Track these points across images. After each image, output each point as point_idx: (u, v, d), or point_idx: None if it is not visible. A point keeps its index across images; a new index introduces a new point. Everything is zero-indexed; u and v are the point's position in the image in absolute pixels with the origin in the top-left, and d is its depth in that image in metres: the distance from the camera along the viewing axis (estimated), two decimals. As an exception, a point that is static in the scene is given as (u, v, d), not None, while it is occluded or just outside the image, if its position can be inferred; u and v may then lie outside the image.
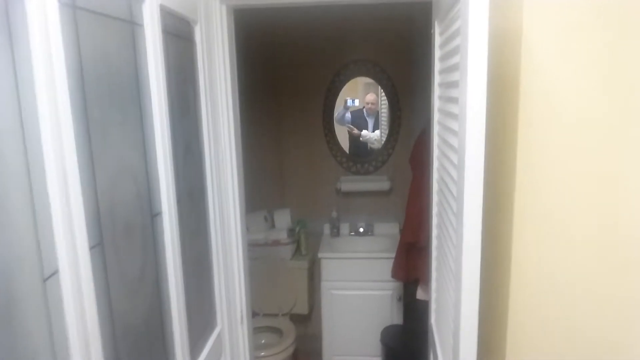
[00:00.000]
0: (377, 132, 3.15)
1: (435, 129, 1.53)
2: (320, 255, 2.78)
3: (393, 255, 2.54)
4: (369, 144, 3.15)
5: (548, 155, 1.07)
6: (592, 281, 1.10)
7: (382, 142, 3.11)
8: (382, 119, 3.17)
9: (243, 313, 1.82)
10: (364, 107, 3.12)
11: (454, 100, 1.18)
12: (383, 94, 3.07)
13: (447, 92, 1.29)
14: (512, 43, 1.07)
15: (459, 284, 0.97)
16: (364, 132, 3.13)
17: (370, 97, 3.09)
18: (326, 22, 2.73)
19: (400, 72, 2.95)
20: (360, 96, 3.12)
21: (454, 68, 1.14)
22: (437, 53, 1.46)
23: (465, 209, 0.92)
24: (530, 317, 1.14)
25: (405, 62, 2.92)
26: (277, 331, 2.84)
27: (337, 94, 3.04)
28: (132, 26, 1.00)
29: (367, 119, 3.13)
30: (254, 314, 2.10)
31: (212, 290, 1.58)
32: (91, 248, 0.81)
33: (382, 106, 3.15)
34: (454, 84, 1.15)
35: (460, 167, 0.96)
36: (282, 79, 3.03)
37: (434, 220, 1.57)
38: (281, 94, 3.06)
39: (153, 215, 1.07)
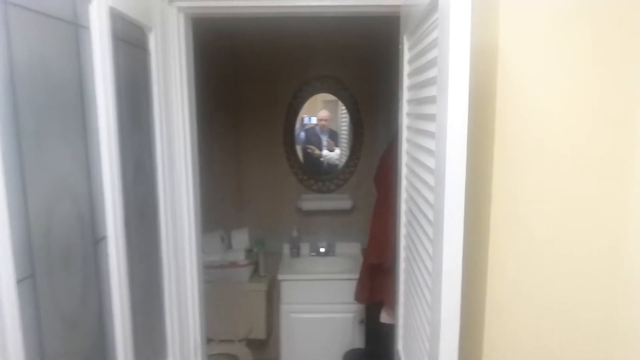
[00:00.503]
0: (337, 150, 3.10)
1: (404, 147, 1.48)
2: (280, 277, 2.67)
3: (355, 276, 2.46)
4: (325, 162, 3.10)
5: (524, 173, 1.03)
6: (568, 301, 1.06)
7: (343, 161, 3.06)
8: (343, 136, 3.13)
9: (197, 342, 1.69)
10: (316, 124, 3.06)
11: (425, 117, 1.13)
12: (345, 111, 3.02)
13: (417, 109, 1.25)
14: (488, 57, 1.03)
15: (437, 315, 0.90)
16: (325, 152, 3.08)
17: (323, 113, 3.04)
18: (289, 37, 2.67)
19: (362, 88, 2.93)
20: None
21: (425, 83, 1.09)
22: (406, 69, 1.42)
23: (445, 236, 0.85)
24: (505, 339, 1.10)
25: (368, 79, 2.90)
26: (233, 358, 2.69)
27: (299, 110, 2.97)
28: (76, 28, 0.89)
29: (320, 136, 3.07)
30: (208, 340, 1.96)
31: (163, 319, 1.45)
32: (19, 281, 0.69)
33: (343, 123, 3.11)
34: (425, 100, 1.10)
35: (438, 190, 0.90)
36: (242, 94, 2.93)
37: (402, 242, 1.51)
38: (241, 109, 2.96)
39: (96, 240, 0.95)
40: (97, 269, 0.95)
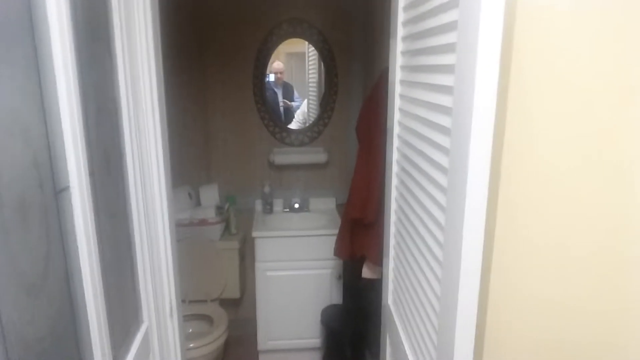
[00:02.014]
0: (305, 102, 2.95)
1: (396, 103, 1.36)
2: (254, 234, 2.55)
3: (331, 231, 2.39)
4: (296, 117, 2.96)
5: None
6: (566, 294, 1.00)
7: (311, 115, 2.92)
8: (311, 87, 2.97)
9: (173, 305, 1.57)
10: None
11: (429, 69, 1.01)
12: (314, 59, 2.85)
13: (416, 60, 1.12)
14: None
15: (455, 273, 0.81)
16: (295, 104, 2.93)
17: (277, 65, 2.85)
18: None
19: (337, 33, 2.75)
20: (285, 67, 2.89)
21: (433, 32, 0.96)
22: (401, 1, 1.28)
23: (468, 192, 0.76)
24: (509, 331, 1.03)
25: (342, 24, 2.72)
26: (207, 319, 2.60)
27: (269, 57, 2.77)
28: None
29: (275, 89, 2.90)
30: (181, 301, 1.85)
31: (136, 281, 1.32)
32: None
33: (311, 73, 2.94)
34: (431, 50, 0.98)
35: (458, 157, 0.79)
36: (209, 38, 2.70)
37: (393, 193, 1.42)
38: (208, 55, 2.73)
39: (58, 191, 0.79)
40: (61, 225, 0.80)
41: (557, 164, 0.95)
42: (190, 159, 2.82)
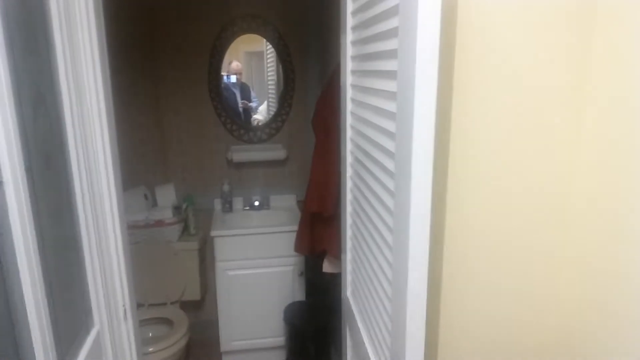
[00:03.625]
0: (265, 104, 2.94)
1: (348, 93, 1.35)
2: (213, 233, 2.51)
3: (292, 228, 2.37)
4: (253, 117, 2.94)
5: (483, 115, 0.95)
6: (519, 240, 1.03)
7: (271, 112, 2.90)
8: (270, 85, 2.95)
9: (126, 307, 1.52)
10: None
11: (376, 56, 1.01)
12: (272, 57, 2.83)
13: (365, 48, 1.12)
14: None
15: (404, 255, 0.81)
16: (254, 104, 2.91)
17: (236, 66, 2.82)
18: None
19: (293, 29, 2.73)
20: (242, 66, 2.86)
21: (380, 15, 0.97)
22: (349, 20, 1.28)
23: (414, 170, 0.76)
24: (460, 310, 1.05)
25: (298, 18, 2.70)
26: (167, 322, 2.54)
27: (224, 53, 2.73)
28: None
29: (234, 90, 2.87)
30: (138, 305, 1.79)
31: (85, 284, 1.27)
32: None
33: (270, 71, 2.92)
34: (381, 36, 0.98)
35: (403, 140, 0.79)
36: (161, 32, 2.63)
37: (348, 184, 1.42)
38: (160, 50, 2.66)
39: (-13, 186, 0.75)
40: (-8, 223, 0.76)
41: (496, 159, 0.98)
42: (145, 158, 2.75)
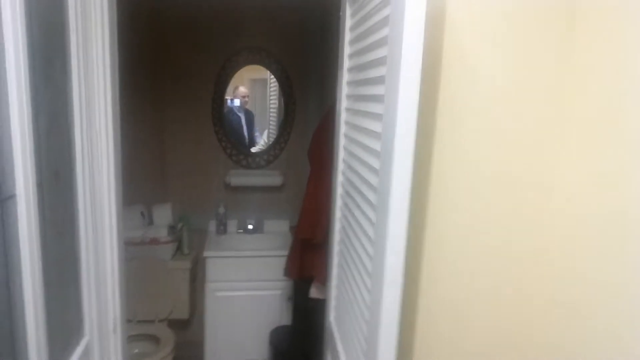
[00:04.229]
0: (265, 132, 3.04)
1: (342, 129, 1.45)
2: (205, 254, 2.56)
3: (284, 253, 2.43)
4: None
5: (466, 138, 1.05)
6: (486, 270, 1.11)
7: (271, 139, 3.00)
8: (272, 112, 3.05)
9: (117, 321, 1.57)
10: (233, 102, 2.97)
11: (368, 98, 1.11)
12: (275, 85, 2.94)
13: (359, 90, 1.22)
14: (437, 21, 1.02)
15: (379, 282, 0.88)
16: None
17: (243, 90, 2.94)
18: (219, 3, 2.53)
19: (295, 62, 2.85)
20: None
21: (371, 64, 1.06)
22: (347, 36, 1.38)
23: (391, 206, 0.84)
24: (440, 313, 1.12)
25: (300, 52, 2.83)
26: (153, 339, 2.56)
27: (228, 82, 2.84)
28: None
29: (239, 114, 2.98)
30: (127, 321, 1.83)
31: (80, 295, 1.32)
32: None
33: (272, 99, 3.03)
34: (371, 81, 1.07)
35: (384, 176, 0.88)
36: (168, 62, 2.75)
37: (337, 214, 1.49)
38: (166, 78, 2.77)
39: (3, 199, 0.82)
40: (4, 233, 0.83)
41: (476, 174, 1.07)
42: (145, 177, 2.82)
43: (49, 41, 1.03)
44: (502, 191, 1.08)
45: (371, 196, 1.01)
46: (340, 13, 1.45)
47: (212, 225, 2.94)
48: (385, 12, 0.93)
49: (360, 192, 1.14)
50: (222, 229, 2.90)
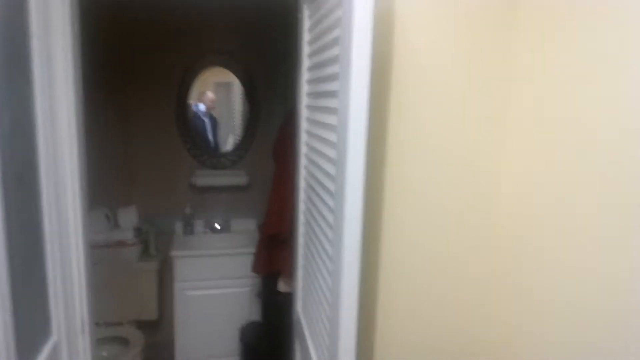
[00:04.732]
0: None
1: (303, 125, 1.50)
2: (173, 253, 2.58)
3: (250, 250, 2.47)
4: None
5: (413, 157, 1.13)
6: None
7: (236, 140, 3.03)
8: (237, 115, 3.07)
9: (85, 321, 1.58)
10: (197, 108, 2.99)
11: (325, 94, 1.17)
12: (239, 88, 2.97)
13: (318, 88, 1.28)
14: (386, 21, 1.09)
15: (339, 264, 0.95)
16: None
17: (209, 95, 2.97)
18: (181, 7, 2.54)
19: (259, 63, 2.89)
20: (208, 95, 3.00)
21: (328, 62, 1.12)
22: (306, 37, 1.44)
23: (347, 190, 0.90)
24: (395, 311, 1.20)
25: (264, 53, 2.86)
26: (123, 341, 2.56)
27: (192, 84, 2.86)
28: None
29: (204, 119, 3.00)
30: (95, 324, 1.83)
31: (47, 297, 1.33)
32: None
33: (237, 101, 3.05)
34: (328, 78, 1.13)
35: (340, 164, 0.94)
36: (131, 66, 2.74)
37: (301, 207, 1.55)
38: (129, 82, 2.76)
39: (-31, 200, 0.84)
40: (-29, 233, 0.85)
41: (429, 176, 1.15)
42: (110, 181, 2.80)
43: (9, 47, 1.04)
44: (453, 178, 1.16)
45: (330, 185, 1.07)
46: (299, 15, 1.51)
47: (179, 227, 2.94)
48: (337, 13, 1.00)
49: (320, 183, 1.20)
50: (189, 229, 2.91)
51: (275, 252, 2.12)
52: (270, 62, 2.87)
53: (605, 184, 0.84)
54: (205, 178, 2.90)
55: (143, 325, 2.78)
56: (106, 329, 2.63)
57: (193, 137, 2.92)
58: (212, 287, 2.64)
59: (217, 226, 2.97)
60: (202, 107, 2.96)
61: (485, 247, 1.20)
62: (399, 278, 1.18)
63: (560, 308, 0.97)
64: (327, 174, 1.11)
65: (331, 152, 1.08)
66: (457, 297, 1.21)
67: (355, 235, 0.92)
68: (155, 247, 2.84)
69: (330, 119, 1.09)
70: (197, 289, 2.62)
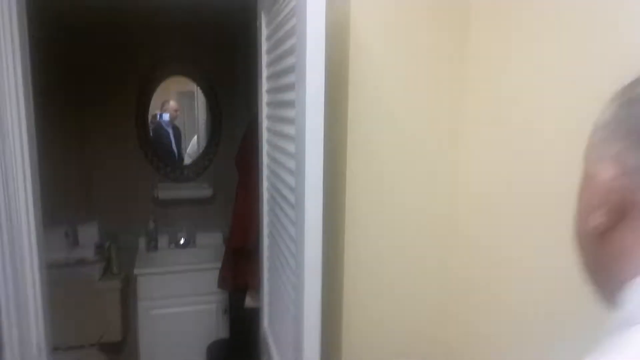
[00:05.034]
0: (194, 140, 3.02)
1: (265, 135, 1.49)
2: (136, 271, 2.50)
3: (217, 265, 2.42)
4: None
5: (372, 133, 1.14)
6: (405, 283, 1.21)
7: (200, 151, 2.99)
8: (200, 125, 3.03)
9: (41, 346, 1.50)
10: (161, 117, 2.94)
11: (283, 104, 1.16)
12: (202, 97, 2.93)
13: (277, 97, 1.27)
14: (341, 31, 1.09)
15: (301, 274, 0.93)
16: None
17: (172, 105, 2.93)
18: (141, 14, 2.48)
19: (221, 72, 2.85)
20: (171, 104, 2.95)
21: (285, 71, 1.11)
22: (264, 45, 1.43)
23: (306, 217, 0.90)
24: (360, 315, 1.19)
25: (226, 62, 2.83)
26: (85, 365, 2.46)
27: (152, 93, 2.80)
28: None
29: (167, 129, 2.95)
30: (55, 349, 1.74)
31: (-2, 321, 1.26)
32: None
33: (200, 109, 3.01)
34: (285, 88, 1.12)
35: (299, 174, 0.93)
36: (88, 77, 2.66)
37: (265, 219, 1.53)
38: (87, 94, 2.67)
39: None
40: None
41: (390, 180, 1.16)
42: (69, 196, 2.70)
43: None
44: (412, 178, 1.17)
45: (291, 197, 1.06)
46: (258, 23, 1.50)
47: (143, 242, 2.86)
48: (292, 22, 0.99)
49: (282, 195, 1.19)
50: (152, 245, 2.83)
51: (241, 267, 2.08)
52: (233, 70, 2.84)
53: (551, 183, 0.87)
54: (169, 191, 2.84)
55: (106, 348, 2.68)
56: (66, 353, 2.51)
57: (155, 148, 2.86)
58: (178, 305, 2.57)
59: (182, 241, 2.90)
60: (166, 117, 2.91)
61: (444, 246, 1.21)
62: (364, 284, 1.18)
63: (514, 306, 0.99)
64: (287, 185, 1.10)
65: (291, 163, 1.07)
66: (421, 298, 1.22)
67: (316, 249, 0.91)
68: (118, 265, 2.74)
69: (289, 129, 1.08)
70: (162, 307, 2.55)
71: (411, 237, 1.20)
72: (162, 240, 2.89)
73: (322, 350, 0.95)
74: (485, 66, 1.09)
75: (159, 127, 2.90)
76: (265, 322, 1.59)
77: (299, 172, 0.93)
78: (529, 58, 0.95)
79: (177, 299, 2.57)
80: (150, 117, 2.86)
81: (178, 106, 2.94)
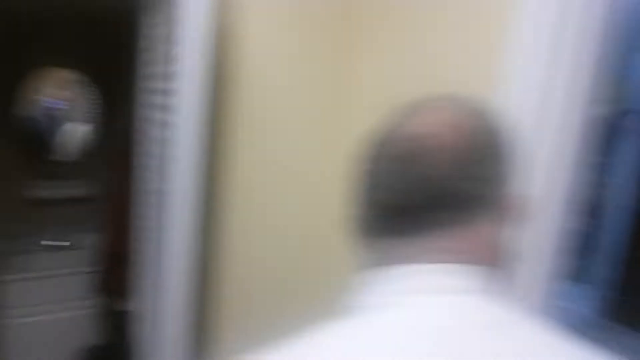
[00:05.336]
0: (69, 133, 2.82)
1: (139, 137, 1.46)
2: (3, 278, 2.29)
3: (94, 269, 2.31)
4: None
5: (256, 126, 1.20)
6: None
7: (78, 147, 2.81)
8: (80, 120, 2.84)
9: None
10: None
11: (161, 107, 1.15)
12: (83, 92, 2.75)
13: (151, 99, 1.26)
14: (226, 35, 1.12)
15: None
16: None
17: (54, 92, 2.72)
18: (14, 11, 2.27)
19: (103, 68, 2.69)
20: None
21: (160, 74, 1.11)
22: (143, 46, 1.40)
23: (174, 223, 0.91)
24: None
25: (109, 58, 2.68)
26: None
27: (23, 85, 2.56)
28: None
29: (42, 124, 2.73)
30: None
31: None
32: None
33: (80, 106, 2.82)
34: (161, 91, 1.12)
35: (170, 178, 0.94)
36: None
37: (140, 222, 1.50)
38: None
39: None
40: None
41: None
42: None
43: None
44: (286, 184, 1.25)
45: (162, 200, 1.07)
46: (138, 22, 1.46)
47: (13, 246, 2.62)
48: (169, 27, 0.99)
49: (154, 199, 1.19)
50: (22, 248, 2.61)
51: (117, 269, 2.01)
52: (115, 68, 2.69)
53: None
54: (42, 190, 2.63)
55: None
56: None
57: (28, 144, 2.63)
58: (50, 312, 2.39)
59: (56, 243, 2.70)
60: (41, 111, 2.67)
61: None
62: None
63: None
64: (157, 190, 1.10)
65: (162, 166, 1.07)
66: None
67: (181, 258, 0.93)
68: (-20, 271, 2.49)
69: (163, 133, 1.09)
70: (32, 315, 2.35)
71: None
72: (34, 244, 2.67)
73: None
74: (365, 64, 1.21)
75: (34, 123, 2.67)
76: (140, 326, 1.56)
77: (169, 174, 0.94)
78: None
79: (49, 306, 2.40)
80: (24, 112, 2.63)
81: (57, 101, 2.72)
